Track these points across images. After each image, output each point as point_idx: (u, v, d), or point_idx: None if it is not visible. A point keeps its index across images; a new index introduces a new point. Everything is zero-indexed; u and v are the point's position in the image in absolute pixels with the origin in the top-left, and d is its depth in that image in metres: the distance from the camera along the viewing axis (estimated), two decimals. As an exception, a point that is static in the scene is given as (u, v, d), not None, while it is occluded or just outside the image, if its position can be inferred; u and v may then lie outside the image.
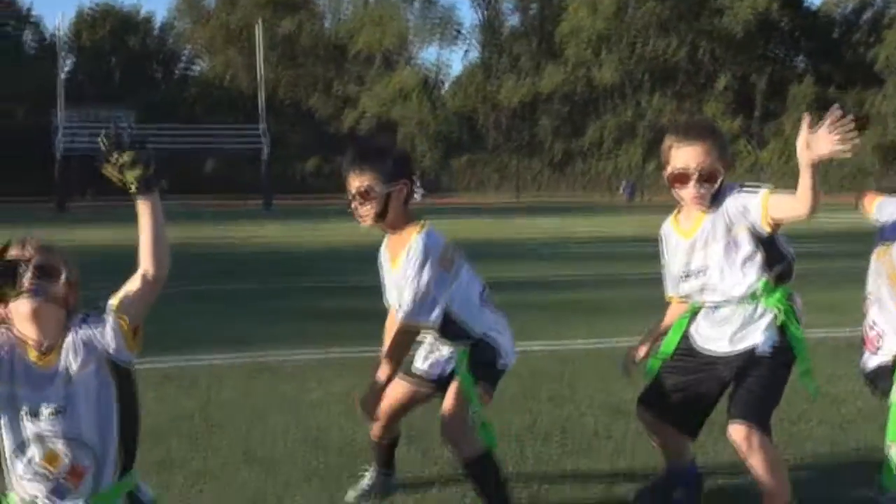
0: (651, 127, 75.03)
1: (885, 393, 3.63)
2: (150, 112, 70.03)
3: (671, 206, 3.76)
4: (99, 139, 2.77)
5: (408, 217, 3.63)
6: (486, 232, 25.01)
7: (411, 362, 3.91)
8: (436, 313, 3.51)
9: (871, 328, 3.65)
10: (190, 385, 6.21)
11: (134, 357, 2.84)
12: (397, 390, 3.94)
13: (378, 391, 3.65)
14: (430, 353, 3.84)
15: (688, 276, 3.64)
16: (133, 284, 2.81)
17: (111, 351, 2.79)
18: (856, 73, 79.01)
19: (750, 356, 3.51)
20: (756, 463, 3.42)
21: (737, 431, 3.43)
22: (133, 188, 2.78)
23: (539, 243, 21.23)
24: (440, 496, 4.02)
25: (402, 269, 3.54)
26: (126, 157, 2.77)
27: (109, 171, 2.78)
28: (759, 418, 3.43)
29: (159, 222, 2.83)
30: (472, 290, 3.69)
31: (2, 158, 71.87)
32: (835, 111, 3.06)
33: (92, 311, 2.83)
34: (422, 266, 3.47)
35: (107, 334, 2.78)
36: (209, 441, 4.88)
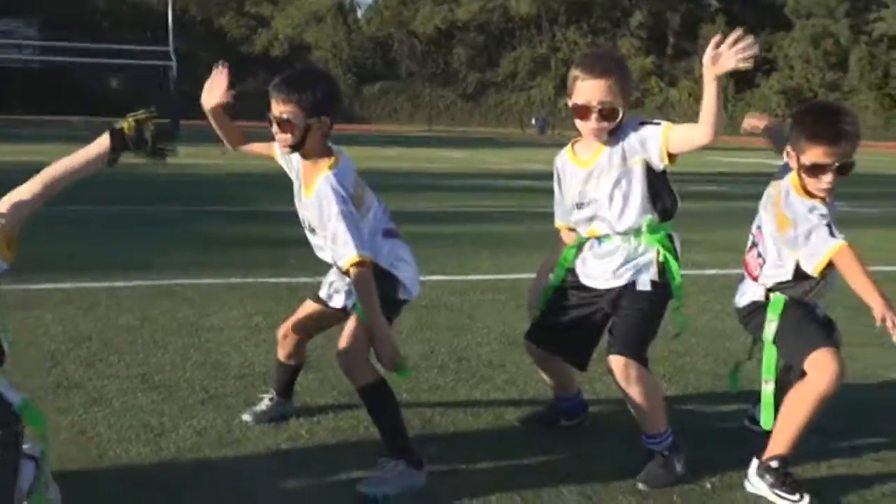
0: (565, 61, 75.07)
1: (755, 330, 3.81)
2: (53, 24, 67.68)
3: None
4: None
5: (324, 149, 3.63)
6: (396, 161, 24.97)
7: (319, 285, 3.96)
8: (362, 242, 3.51)
9: (758, 256, 3.78)
10: (89, 307, 6.16)
11: (4, 267, 2.83)
12: (309, 309, 4.00)
13: (387, 337, 3.50)
14: (333, 283, 3.89)
15: (580, 205, 3.72)
16: (19, 196, 2.81)
17: None
18: (767, 15, 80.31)
19: (630, 290, 3.64)
20: (633, 393, 3.58)
21: (615, 363, 3.58)
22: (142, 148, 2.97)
23: (447, 175, 21.29)
24: (335, 423, 4.11)
25: (316, 203, 3.53)
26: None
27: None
28: (636, 351, 3.58)
29: (95, 166, 2.89)
30: (378, 224, 3.72)
31: None
32: (738, 31, 3.16)
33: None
34: (342, 202, 3.47)
35: None
36: (107, 365, 4.88)
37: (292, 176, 3.79)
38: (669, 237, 3.67)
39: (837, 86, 77.26)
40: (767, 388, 3.64)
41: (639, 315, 3.61)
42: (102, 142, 3.03)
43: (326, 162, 3.58)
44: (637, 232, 3.62)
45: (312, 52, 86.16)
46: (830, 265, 3.42)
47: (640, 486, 3.52)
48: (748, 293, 3.82)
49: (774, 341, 3.63)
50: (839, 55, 77.32)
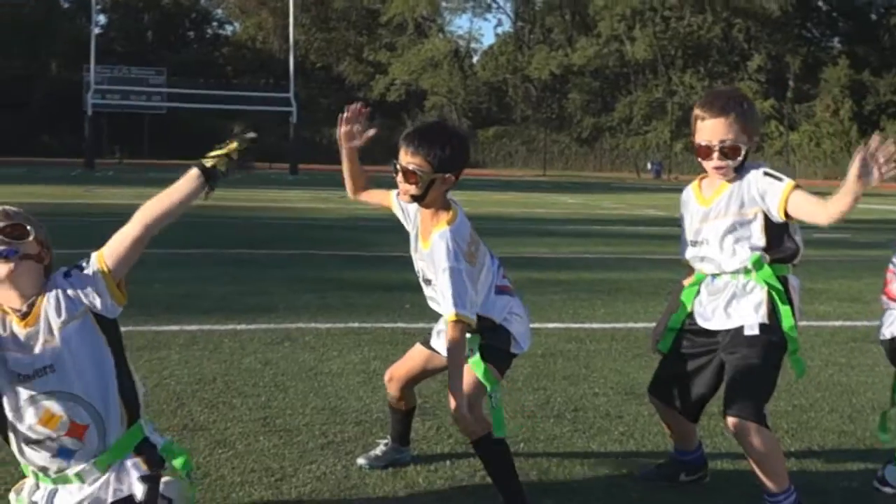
0: (681, 105, 74.47)
1: None
2: (181, 71, 70.32)
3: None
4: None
5: (444, 203, 3.69)
6: (510, 207, 25.05)
7: (430, 334, 4.01)
8: (474, 306, 3.57)
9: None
10: (214, 349, 6.34)
11: (119, 310, 2.95)
12: (417, 356, 4.06)
13: (460, 399, 3.52)
14: (442, 331, 3.93)
15: (694, 243, 3.74)
16: (122, 240, 2.92)
17: (98, 305, 2.87)
18: (892, 56, 78.08)
19: (739, 336, 3.59)
20: (752, 452, 3.52)
21: (732, 424, 3.54)
22: (210, 162, 3.00)
23: (562, 220, 21.26)
24: (451, 472, 4.13)
25: (430, 255, 3.60)
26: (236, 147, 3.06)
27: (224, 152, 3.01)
28: (753, 411, 3.51)
29: (188, 202, 2.97)
30: (492, 279, 3.76)
31: (35, 114, 72.52)
32: (883, 141, 3.12)
33: (73, 267, 2.91)
34: (454, 259, 3.51)
35: (92, 289, 2.87)
36: (230, 408, 5.01)
37: (408, 227, 3.86)
38: (783, 280, 3.60)
39: (968, 129, 74.52)
40: None
41: (751, 369, 3.55)
42: (192, 177, 3.02)
43: (445, 216, 3.63)
44: (746, 270, 3.59)
45: (428, 97, 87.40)
46: None
47: (763, 546, 3.44)
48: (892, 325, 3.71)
49: None
50: (970, 98, 74.69)
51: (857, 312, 8.49)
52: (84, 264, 2.89)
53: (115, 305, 2.90)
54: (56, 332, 2.83)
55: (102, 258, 2.89)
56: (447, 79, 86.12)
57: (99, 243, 2.99)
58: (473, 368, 3.56)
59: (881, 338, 3.84)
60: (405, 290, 7.30)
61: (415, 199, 3.64)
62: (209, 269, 10.55)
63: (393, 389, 4.16)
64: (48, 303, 2.85)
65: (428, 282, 3.75)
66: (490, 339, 3.67)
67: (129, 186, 30.39)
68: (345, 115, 3.97)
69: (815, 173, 67.95)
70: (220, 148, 3.10)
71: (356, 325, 7.39)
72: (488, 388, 3.56)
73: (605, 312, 8.51)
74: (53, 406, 2.82)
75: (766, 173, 3.57)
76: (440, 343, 3.92)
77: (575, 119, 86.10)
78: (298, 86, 58.44)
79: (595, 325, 7.83)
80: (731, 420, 3.55)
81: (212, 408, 5.00)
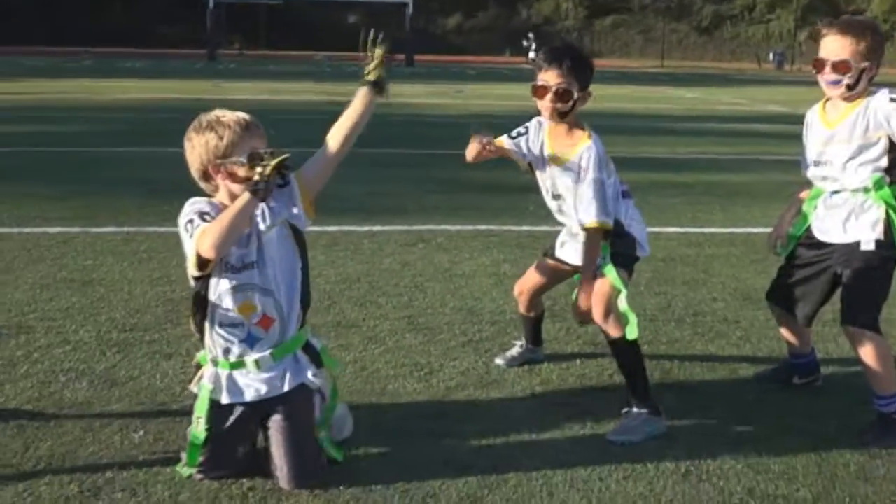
0: (808, -8, 71.61)
1: None
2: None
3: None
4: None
5: (576, 122, 4.04)
6: (628, 102, 24.92)
7: (553, 246, 4.39)
8: (611, 208, 3.96)
9: None
10: (355, 250, 6.86)
11: (310, 223, 3.40)
12: (541, 269, 4.46)
13: (589, 293, 3.98)
14: (567, 242, 4.30)
15: (818, 163, 4.00)
16: (318, 161, 3.36)
17: (294, 218, 3.34)
18: None
19: (855, 250, 3.87)
20: (865, 357, 3.85)
21: (849, 333, 3.89)
22: (373, 76, 3.36)
23: (680, 117, 21.15)
24: (581, 370, 4.56)
25: (573, 169, 3.96)
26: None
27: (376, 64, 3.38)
28: (868, 320, 3.85)
29: (367, 117, 3.35)
30: (618, 186, 4.12)
31: (151, 4, 73.78)
32: None
33: (280, 184, 3.30)
34: (599, 170, 3.90)
35: (291, 203, 3.33)
36: (377, 307, 5.52)
37: (524, 160, 4.19)
38: None
39: None
40: None
41: (866, 281, 3.85)
42: (363, 94, 3.41)
43: (583, 132, 4.00)
44: (866, 189, 3.85)
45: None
46: None
47: (869, 445, 3.78)
48: None
49: None
50: None
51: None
52: (283, 181, 3.28)
53: (307, 219, 3.37)
54: (263, 235, 3.30)
55: (300, 177, 3.34)
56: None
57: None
58: (606, 273, 3.94)
59: None
60: (528, 192, 7.61)
61: (562, 115, 3.98)
62: (346, 168, 11.04)
63: (523, 301, 4.58)
64: (264, 209, 3.28)
65: (558, 196, 4.12)
66: (618, 245, 4.03)
67: (255, 80, 31.15)
68: (473, 152, 4.12)
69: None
70: (369, 61, 3.43)
71: (484, 227, 7.82)
72: (622, 293, 3.93)
73: (724, 216, 8.75)
74: (253, 297, 3.29)
75: (892, 98, 3.79)
76: (566, 253, 4.29)
77: (695, 7, 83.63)
78: (413, -24, 58.12)
79: (714, 230, 8.09)
80: (847, 329, 3.90)
81: (360, 306, 5.51)
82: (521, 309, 4.63)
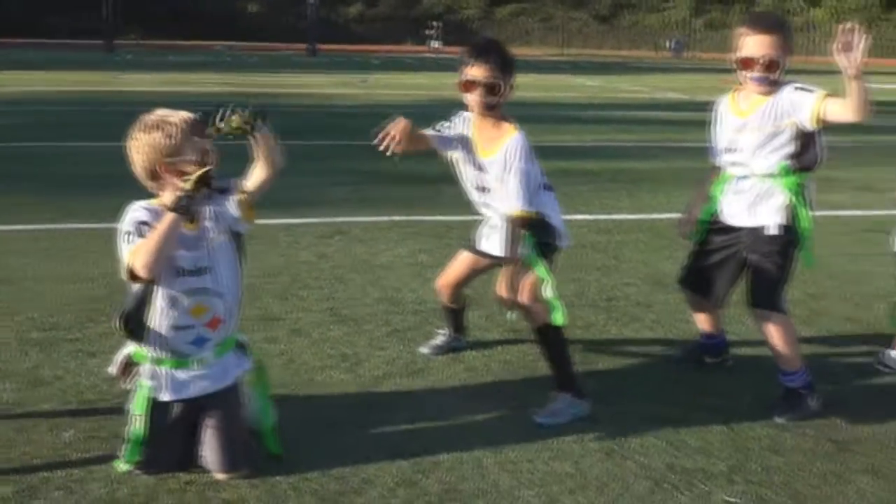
0: (702, -20, 73.29)
1: None
2: (194, -48, 69.32)
3: (720, 65, 4.27)
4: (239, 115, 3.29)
5: (501, 117, 4.14)
6: (531, 90, 25.23)
7: (474, 239, 4.50)
8: (534, 204, 4.08)
9: None
10: (272, 244, 6.89)
11: (250, 226, 3.47)
12: (462, 262, 4.58)
13: (515, 274, 4.09)
14: (489, 234, 4.42)
15: (729, 150, 4.20)
16: (256, 176, 3.40)
17: (235, 222, 3.41)
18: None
19: (761, 235, 4.09)
20: (771, 336, 4.09)
21: (756, 315, 4.12)
22: (251, 129, 3.33)
23: (583, 105, 21.53)
24: (505, 356, 4.70)
25: (499, 160, 4.07)
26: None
27: (236, 125, 3.31)
28: (774, 302, 4.07)
29: (272, 141, 3.38)
30: (540, 178, 4.26)
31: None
32: (843, 30, 3.58)
33: (220, 189, 3.37)
34: (525, 161, 4.02)
35: (232, 208, 3.39)
36: (299, 299, 5.58)
37: (449, 155, 4.30)
38: (803, 184, 4.08)
39: None
40: None
41: (772, 264, 4.06)
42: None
43: (509, 124, 4.11)
44: (773, 175, 4.06)
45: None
46: None
47: (777, 419, 3.99)
48: None
49: None
50: None
51: (871, 202, 8.96)
52: (224, 186, 3.36)
53: (246, 223, 3.42)
54: (212, 240, 3.37)
55: (241, 185, 3.39)
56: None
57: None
58: (532, 263, 4.07)
59: (893, 249, 4.29)
60: (440, 182, 7.72)
61: (490, 107, 4.09)
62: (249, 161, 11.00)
63: (445, 296, 4.69)
64: (208, 214, 3.37)
65: (483, 189, 4.23)
66: (541, 236, 4.16)
67: (155, 71, 30.58)
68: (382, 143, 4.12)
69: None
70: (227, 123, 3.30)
71: (399, 218, 7.91)
72: (549, 282, 4.07)
73: (631, 203, 9.00)
74: (205, 300, 3.36)
75: (797, 87, 4.01)
76: (489, 245, 4.40)
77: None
78: (314, -36, 57.69)
79: (622, 217, 8.33)
80: (754, 311, 4.12)
81: (283, 299, 5.56)
82: (444, 302, 4.74)
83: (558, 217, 4.29)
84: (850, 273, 6.46)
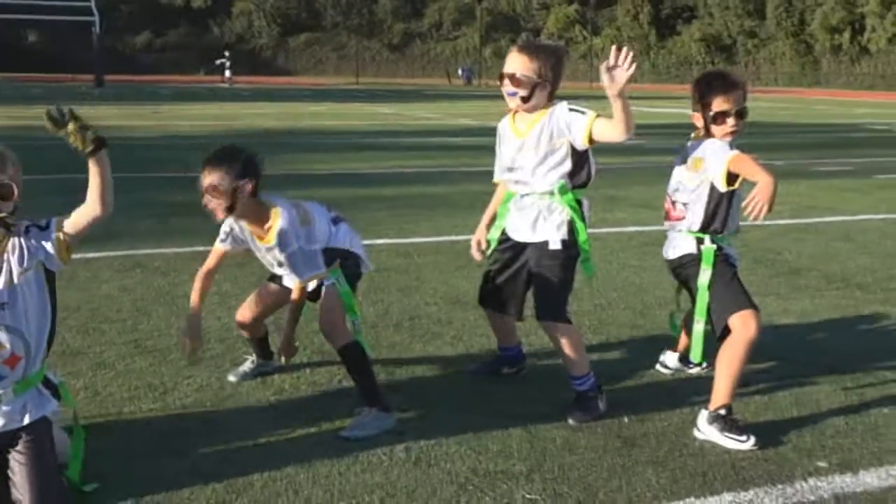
0: (490, 10, 75.61)
1: (688, 279, 4.45)
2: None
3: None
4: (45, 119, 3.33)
5: (261, 207, 4.29)
6: (326, 119, 25.40)
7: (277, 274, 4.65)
8: (322, 262, 4.27)
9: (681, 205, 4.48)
10: (70, 278, 6.74)
11: (63, 266, 3.47)
12: (265, 295, 4.71)
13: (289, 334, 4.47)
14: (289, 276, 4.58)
15: (511, 169, 4.48)
16: (82, 216, 3.43)
17: (48, 260, 3.40)
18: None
19: (544, 249, 4.37)
20: (560, 344, 4.37)
21: (545, 326, 4.43)
22: (90, 148, 3.37)
23: (378, 132, 21.86)
24: (312, 378, 4.82)
25: (276, 246, 4.26)
26: (75, 124, 3.37)
27: (73, 139, 3.35)
28: (559, 313, 4.37)
29: (109, 174, 3.44)
30: (326, 217, 4.47)
31: None
32: (614, 50, 3.92)
33: (33, 224, 3.39)
34: (294, 243, 4.21)
35: (46, 247, 3.38)
36: (100, 333, 5.51)
37: (246, 244, 4.49)
38: (579, 202, 4.39)
39: (755, 33, 78.93)
40: (699, 328, 4.31)
41: (554, 277, 4.36)
42: (92, 165, 3.48)
43: (269, 218, 4.28)
44: (552, 193, 4.36)
45: (235, 3, 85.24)
46: (733, 176, 4.17)
47: (570, 421, 4.28)
48: (680, 246, 4.48)
49: (708, 289, 4.28)
50: (757, 2, 78.92)
51: (649, 218, 9.57)
52: (44, 224, 3.36)
53: (60, 263, 3.41)
54: (14, 276, 3.32)
55: (61, 225, 3.38)
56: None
57: None
58: (344, 297, 4.25)
59: (665, 257, 4.66)
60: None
61: (227, 210, 4.27)
62: (40, 198, 10.66)
63: (246, 330, 4.82)
64: (12, 247, 3.33)
65: (281, 264, 4.43)
66: (347, 266, 4.36)
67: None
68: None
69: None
70: (69, 138, 3.43)
71: (201, 248, 7.83)
72: (353, 308, 4.26)
73: (429, 226, 9.29)
74: (1, 336, 3.31)
75: (570, 109, 4.32)
76: (292, 282, 4.54)
77: (385, 24, 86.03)
78: (98, -7, 55.96)
79: (420, 240, 8.60)
80: (542, 323, 4.41)
81: (84, 334, 5.49)
82: (246, 334, 4.84)
83: (359, 244, 4.51)
84: (633, 284, 6.92)
